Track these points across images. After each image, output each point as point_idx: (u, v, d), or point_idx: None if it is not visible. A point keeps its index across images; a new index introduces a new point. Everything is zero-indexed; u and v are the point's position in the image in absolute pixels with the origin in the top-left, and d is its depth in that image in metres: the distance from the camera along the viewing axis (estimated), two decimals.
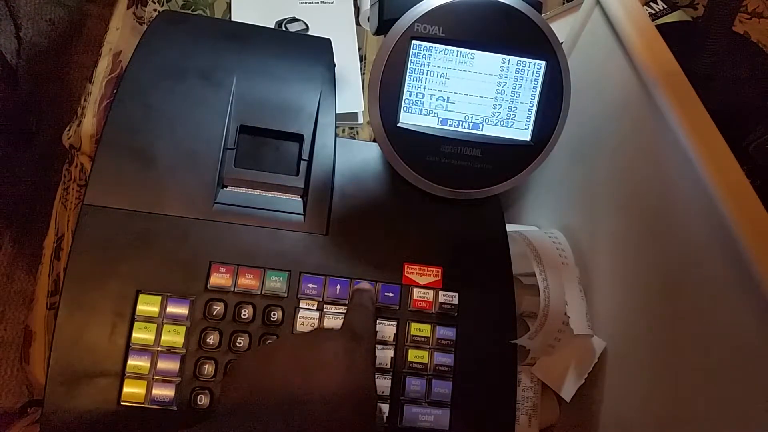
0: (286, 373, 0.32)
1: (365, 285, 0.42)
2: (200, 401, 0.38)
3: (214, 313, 0.40)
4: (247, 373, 0.34)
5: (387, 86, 0.42)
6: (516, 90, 0.44)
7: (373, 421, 0.33)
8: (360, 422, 0.31)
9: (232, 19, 0.62)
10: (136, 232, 0.40)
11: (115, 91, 0.44)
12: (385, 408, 0.40)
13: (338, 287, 0.42)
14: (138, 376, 0.38)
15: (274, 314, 0.40)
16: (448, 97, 0.43)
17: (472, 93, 0.43)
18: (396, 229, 0.45)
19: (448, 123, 0.44)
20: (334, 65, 0.48)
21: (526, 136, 0.45)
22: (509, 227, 0.48)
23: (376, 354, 0.41)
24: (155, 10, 0.62)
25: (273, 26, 0.62)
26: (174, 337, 0.39)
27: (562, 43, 0.43)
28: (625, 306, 0.44)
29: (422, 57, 0.42)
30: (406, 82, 0.42)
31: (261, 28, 0.51)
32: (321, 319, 0.41)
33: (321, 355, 0.33)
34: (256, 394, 0.32)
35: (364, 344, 0.35)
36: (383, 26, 0.42)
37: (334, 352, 0.33)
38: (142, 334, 0.39)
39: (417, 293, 0.43)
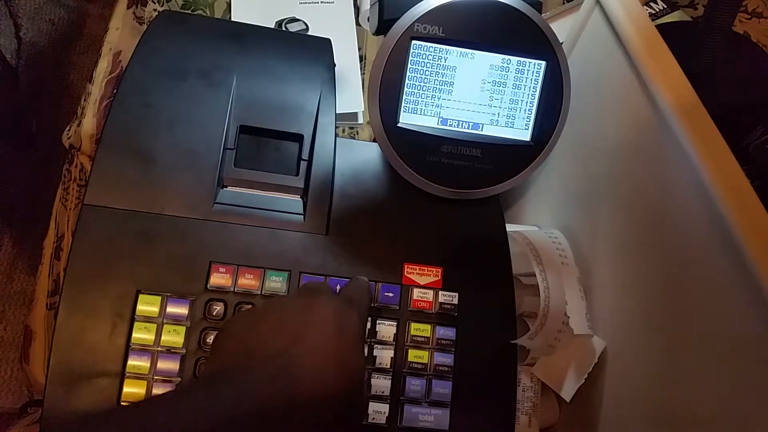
0: (273, 338, 0.32)
1: (362, 277, 0.42)
2: None
3: (214, 313, 0.40)
4: (233, 338, 0.33)
5: (387, 86, 0.42)
6: (516, 90, 0.44)
7: (360, 387, 0.32)
8: (347, 388, 0.31)
9: (232, 19, 0.62)
10: (136, 232, 0.40)
11: (115, 91, 0.44)
12: (385, 408, 0.41)
13: (338, 287, 0.42)
14: (138, 376, 0.38)
15: None
16: (448, 97, 0.43)
17: (472, 93, 0.43)
18: (396, 229, 0.45)
19: (448, 123, 0.44)
20: (334, 65, 0.48)
21: (526, 136, 0.45)
22: (509, 227, 0.48)
23: (376, 354, 0.41)
24: (155, 10, 0.62)
25: (273, 26, 0.62)
26: (174, 337, 0.39)
27: (562, 43, 0.43)
28: (625, 306, 0.44)
29: (422, 57, 0.42)
30: (406, 82, 0.42)
31: (261, 28, 0.51)
32: None
33: (311, 321, 0.32)
34: (243, 357, 0.31)
35: (356, 312, 0.35)
36: (383, 26, 0.42)
37: (325, 318, 0.33)
38: (142, 334, 0.39)
39: (417, 293, 0.43)
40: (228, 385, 0.28)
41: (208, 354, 0.39)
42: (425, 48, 0.42)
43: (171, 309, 0.39)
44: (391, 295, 0.43)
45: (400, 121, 0.43)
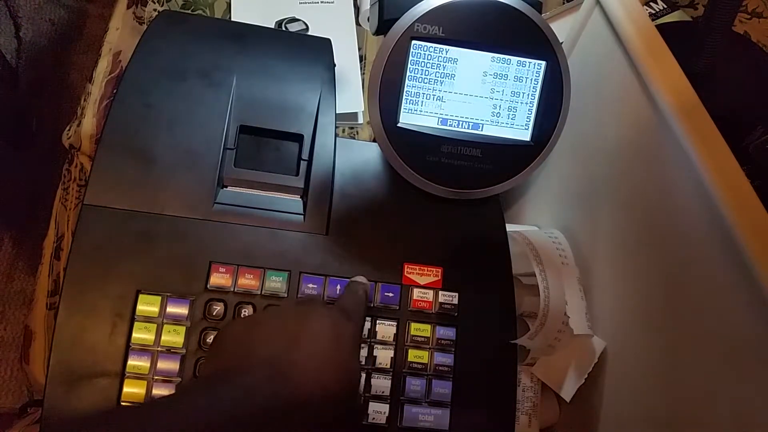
0: (271, 341, 0.32)
1: (360, 278, 0.41)
2: None
3: (214, 313, 0.40)
4: (231, 340, 0.33)
5: (387, 86, 0.42)
6: (516, 90, 0.44)
7: (357, 390, 0.33)
8: (345, 388, 0.31)
9: (232, 19, 0.62)
10: (136, 232, 0.40)
11: (115, 91, 0.44)
12: (385, 408, 0.41)
13: (338, 287, 0.42)
14: (138, 376, 0.38)
15: None
16: (448, 97, 0.43)
17: (472, 93, 0.43)
18: (396, 229, 0.45)
19: (448, 123, 0.44)
20: (334, 65, 0.48)
21: (526, 136, 0.45)
22: (509, 227, 0.48)
23: (376, 354, 0.41)
24: (155, 10, 0.62)
25: (273, 26, 0.62)
26: (174, 337, 0.39)
27: (562, 43, 0.43)
28: (625, 306, 0.44)
29: (422, 57, 0.42)
30: (406, 82, 0.42)
31: (261, 28, 0.51)
32: None
33: (308, 327, 0.33)
34: (242, 358, 0.31)
35: (352, 323, 0.35)
36: (383, 26, 0.42)
37: (322, 325, 0.33)
38: (142, 334, 0.39)
39: (417, 293, 0.43)
40: (227, 386, 0.29)
41: (206, 355, 0.39)
42: (425, 48, 0.41)
43: (171, 309, 0.39)
44: (391, 295, 0.43)
45: (400, 121, 0.43)
